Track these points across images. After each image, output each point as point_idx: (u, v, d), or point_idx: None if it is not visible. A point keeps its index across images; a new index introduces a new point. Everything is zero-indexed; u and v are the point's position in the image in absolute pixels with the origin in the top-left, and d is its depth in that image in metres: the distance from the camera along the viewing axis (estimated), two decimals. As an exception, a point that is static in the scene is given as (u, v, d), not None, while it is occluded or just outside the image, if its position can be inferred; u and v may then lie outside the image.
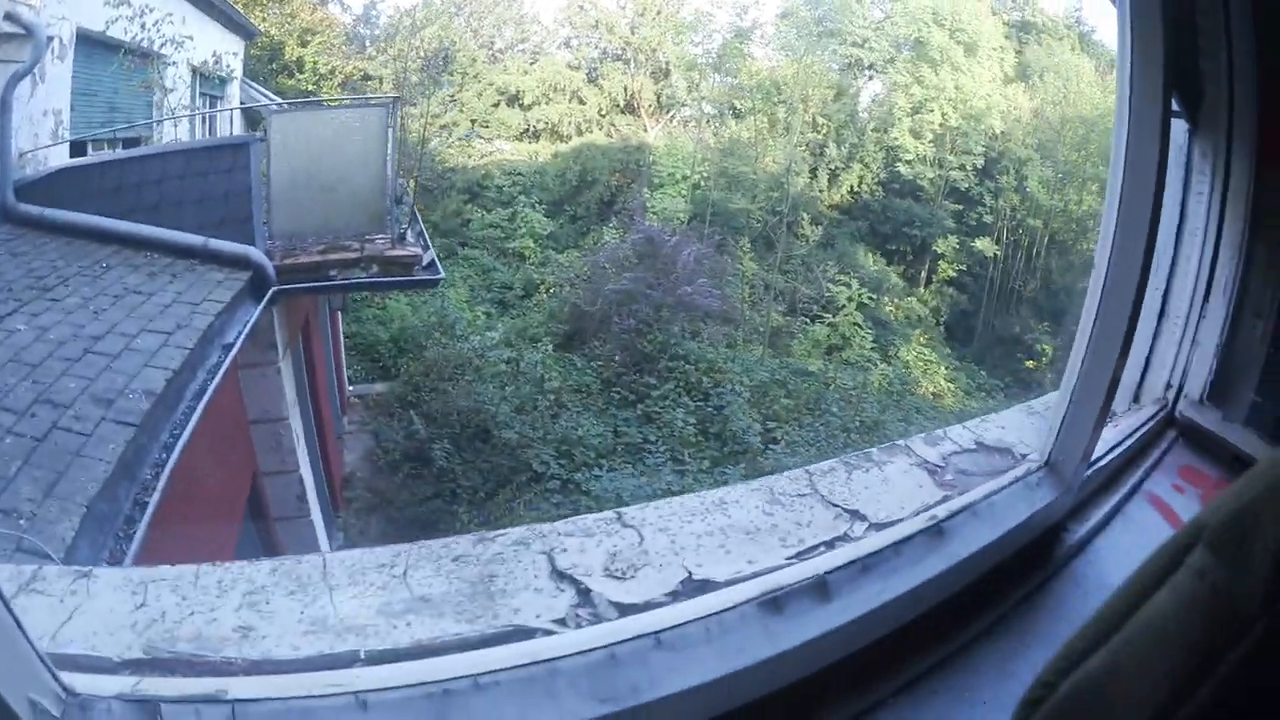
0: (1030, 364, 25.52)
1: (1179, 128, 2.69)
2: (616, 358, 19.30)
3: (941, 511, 1.67)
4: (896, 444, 1.98)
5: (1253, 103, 2.57)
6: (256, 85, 19.36)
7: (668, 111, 32.71)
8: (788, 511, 1.59)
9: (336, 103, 14.16)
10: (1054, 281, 28.69)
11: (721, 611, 1.30)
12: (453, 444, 15.00)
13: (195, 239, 7.47)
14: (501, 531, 1.42)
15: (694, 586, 1.36)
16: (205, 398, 5.43)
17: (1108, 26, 33.29)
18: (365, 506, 13.37)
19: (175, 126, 13.13)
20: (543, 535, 1.42)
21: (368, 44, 29.55)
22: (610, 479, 14.60)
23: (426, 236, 10.17)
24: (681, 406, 17.90)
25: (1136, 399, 2.89)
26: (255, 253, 7.64)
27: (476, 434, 15.42)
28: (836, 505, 1.64)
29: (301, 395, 10.22)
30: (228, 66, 15.92)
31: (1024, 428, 2.21)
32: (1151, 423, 2.70)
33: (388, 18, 30.31)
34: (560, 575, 1.33)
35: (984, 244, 28.71)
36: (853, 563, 1.46)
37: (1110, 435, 2.35)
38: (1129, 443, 2.48)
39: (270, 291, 7.61)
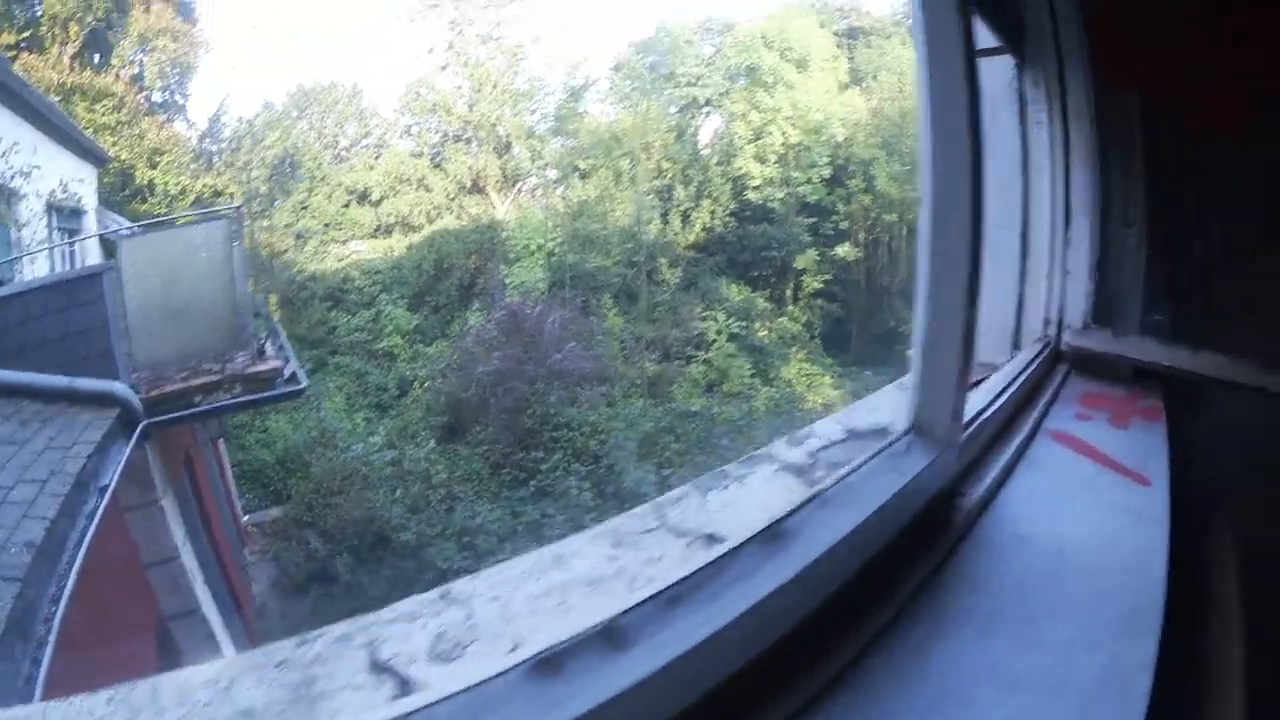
0: (910, 352, 26.15)
1: (1005, 64, 2.70)
2: (500, 439, 19.22)
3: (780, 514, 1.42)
4: (756, 454, 1.72)
5: (1077, 23, 2.58)
6: (113, 214, 18.74)
7: (514, 184, 32.71)
8: (636, 551, 1.36)
9: (182, 220, 13.83)
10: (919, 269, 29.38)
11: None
12: (354, 556, 14.77)
13: (60, 381, 7.12)
14: (323, 630, 1.32)
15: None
16: (85, 544, 5.18)
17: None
18: (280, 637, 12.79)
19: (33, 264, 12.60)
20: (366, 627, 1.29)
21: (215, 159, 29.00)
22: (517, 563, 14.34)
23: (288, 346, 9.90)
24: (573, 474, 17.91)
25: (1017, 345, 2.79)
26: (120, 387, 7.34)
27: (375, 542, 15.25)
28: (689, 533, 1.49)
29: (193, 531, 9.74)
30: (77, 196, 15.49)
31: (899, 405, 1.93)
32: (1037, 361, 2.59)
33: (231, 129, 29.92)
34: (380, 668, 1.22)
35: (844, 249, 29.58)
36: (658, 595, 1.20)
37: (994, 384, 2.25)
38: (1015, 388, 2.34)
39: (140, 426, 7.32)
